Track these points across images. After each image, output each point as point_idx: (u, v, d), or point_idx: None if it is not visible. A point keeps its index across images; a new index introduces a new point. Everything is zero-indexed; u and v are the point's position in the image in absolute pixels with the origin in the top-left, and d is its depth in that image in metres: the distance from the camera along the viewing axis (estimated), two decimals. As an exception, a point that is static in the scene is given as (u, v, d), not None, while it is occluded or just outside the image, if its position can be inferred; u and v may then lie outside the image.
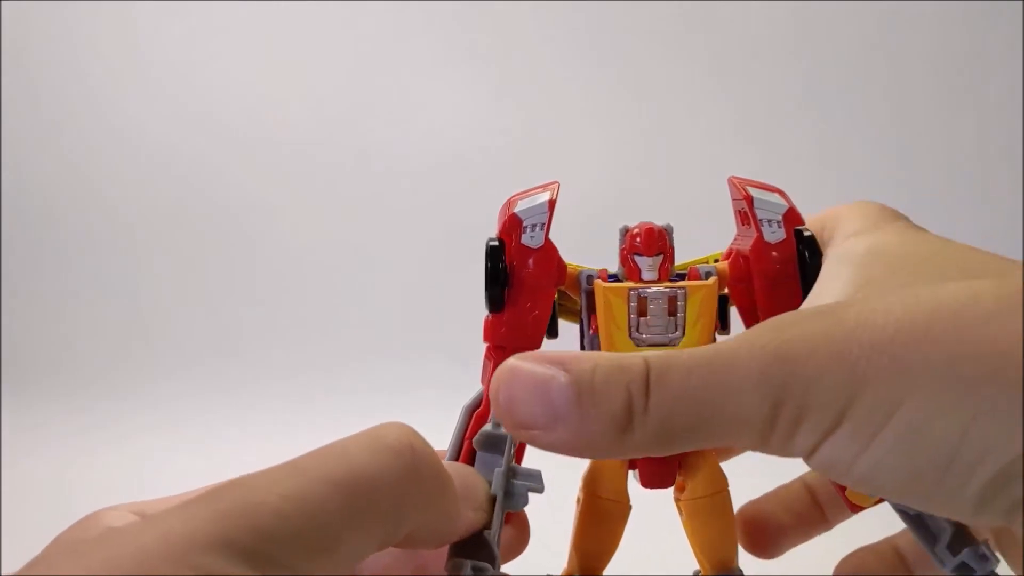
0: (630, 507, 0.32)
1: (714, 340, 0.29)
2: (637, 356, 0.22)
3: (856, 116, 1.14)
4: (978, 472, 0.21)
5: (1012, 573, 0.29)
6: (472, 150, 1.17)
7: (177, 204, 1.21)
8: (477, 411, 0.30)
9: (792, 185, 0.34)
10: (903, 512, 0.29)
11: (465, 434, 0.30)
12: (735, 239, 0.34)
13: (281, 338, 1.12)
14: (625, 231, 0.31)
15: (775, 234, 0.31)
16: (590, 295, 0.31)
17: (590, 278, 0.31)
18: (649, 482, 0.32)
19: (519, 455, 0.29)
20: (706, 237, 0.36)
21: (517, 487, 0.25)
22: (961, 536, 0.28)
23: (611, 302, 0.28)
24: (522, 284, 0.30)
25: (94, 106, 1.23)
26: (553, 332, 0.31)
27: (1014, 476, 0.20)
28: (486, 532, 0.24)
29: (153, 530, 0.17)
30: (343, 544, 0.19)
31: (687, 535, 0.33)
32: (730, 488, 0.32)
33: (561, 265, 0.31)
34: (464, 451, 0.29)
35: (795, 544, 0.36)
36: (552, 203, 0.30)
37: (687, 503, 0.33)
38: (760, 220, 0.31)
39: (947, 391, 0.21)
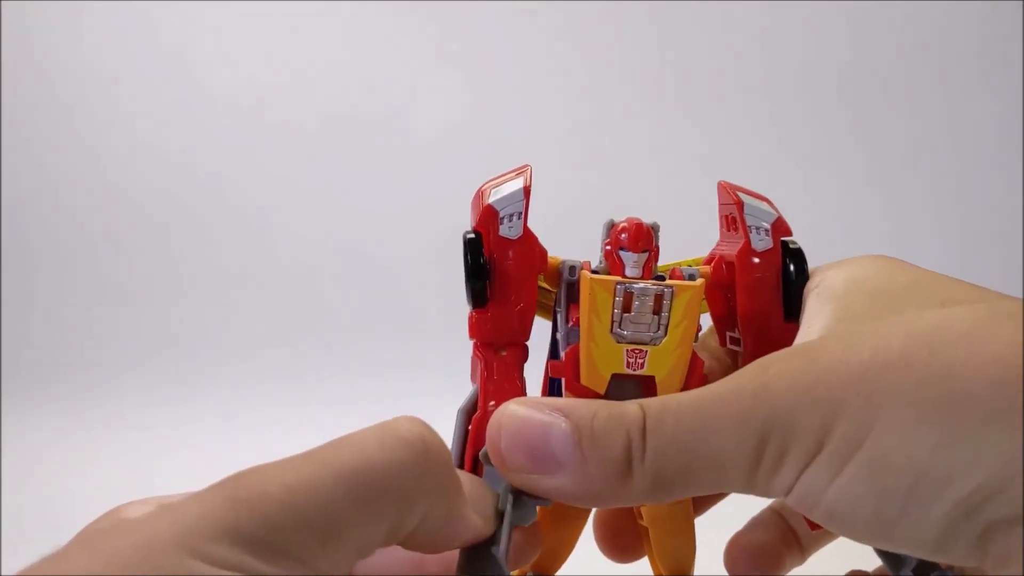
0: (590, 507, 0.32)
1: (696, 340, 0.28)
2: (632, 403, 0.23)
3: (849, 117, 1.13)
4: (943, 497, 0.20)
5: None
6: (463, 143, 1.15)
7: (176, 204, 1.19)
8: (475, 415, 0.29)
9: (778, 191, 0.33)
10: None
11: (466, 440, 0.29)
12: (718, 244, 0.33)
13: (281, 337, 1.09)
14: (611, 225, 0.29)
15: (763, 242, 0.31)
16: (571, 287, 0.30)
17: (573, 269, 0.29)
18: None
19: None
20: (685, 241, 0.35)
21: (525, 501, 0.24)
22: (927, 561, 0.27)
23: (596, 294, 0.27)
24: (505, 277, 0.29)
25: (94, 106, 1.20)
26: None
27: (977, 505, 0.20)
28: (494, 549, 0.23)
29: (162, 520, 0.17)
30: (351, 534, 0.19)
31: (646, 542, 0.33)
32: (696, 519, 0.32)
33: (543, 253, 0.30)
34: (467, 459, 0.28)
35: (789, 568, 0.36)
36: (527, 190, 0.29)
37: (648, 511, 0.32)
38: (749, 226, 0.31)
39: (916, 414, 0.21)
